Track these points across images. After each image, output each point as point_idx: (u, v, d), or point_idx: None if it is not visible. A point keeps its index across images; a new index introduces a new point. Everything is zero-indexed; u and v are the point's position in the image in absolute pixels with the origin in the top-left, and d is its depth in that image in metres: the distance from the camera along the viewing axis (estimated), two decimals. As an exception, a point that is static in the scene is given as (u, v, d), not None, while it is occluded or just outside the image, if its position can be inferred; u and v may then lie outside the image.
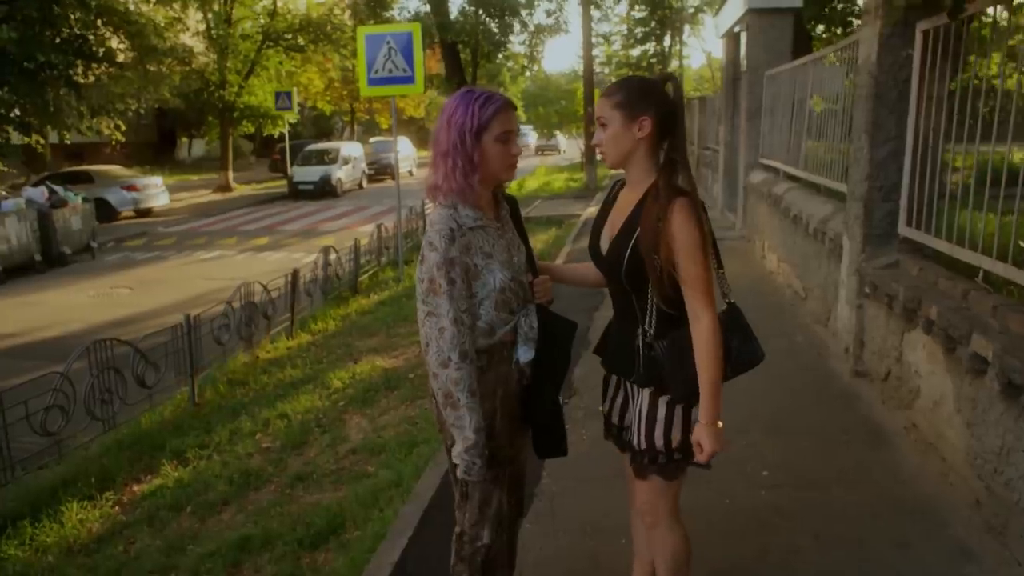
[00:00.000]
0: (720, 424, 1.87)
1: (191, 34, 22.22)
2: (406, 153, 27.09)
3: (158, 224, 16.91)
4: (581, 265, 2.31)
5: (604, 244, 2.01)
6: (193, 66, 21.52)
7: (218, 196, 22.47)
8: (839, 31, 19.29)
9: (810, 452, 3.55)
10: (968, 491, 2.96)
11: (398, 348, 6.82)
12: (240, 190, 24.04)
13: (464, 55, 13.07)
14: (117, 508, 4.35)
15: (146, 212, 17.97)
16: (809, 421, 3.95)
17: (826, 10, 18.05)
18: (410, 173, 26.81)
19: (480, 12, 12.74)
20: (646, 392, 1.97)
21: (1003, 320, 2.76)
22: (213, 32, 22.25)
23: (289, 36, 23.42)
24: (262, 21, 23.60)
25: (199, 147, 33.54)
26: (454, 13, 12.62)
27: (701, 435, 1.87)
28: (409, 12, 13.58)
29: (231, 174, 24.07)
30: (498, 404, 1.96)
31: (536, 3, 12.63)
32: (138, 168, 22.79)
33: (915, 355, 3.54)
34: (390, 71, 9.53)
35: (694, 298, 1.85)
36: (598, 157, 2.05)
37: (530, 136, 44.17)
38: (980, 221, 3.19)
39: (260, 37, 22.99)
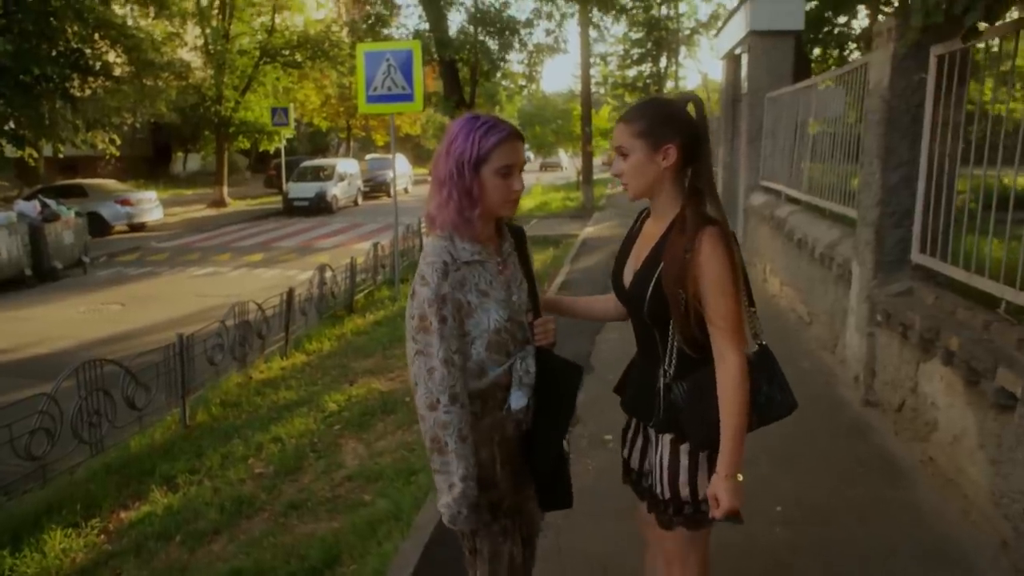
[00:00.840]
0: (740, 477, 1.71)
1: (188, 49, 22.21)
2: (402, 171, 27.12)
3: (151, 239, 16.75)
4: (595, 299, 2.20)
5: (627, 277, 1.90)
6: (190, 81, 21.48)
7: (212, 211, 22.35)
8: (835, 53, 19.44)
9: (824, 485, 3.43)
10: (993, 531, 2.85)
11: (394, 370, 6.69)
12: (235, 205, 23.91)
13: (463, 73, 13.03)
14: (103, 537, 4.19)
15: (140, 227, 17.82)
16: (821, 452, 3.84)
17: (823, 33, 18.17)
18: (406, 191, 26.79)
19: (479, 30, 12.71)
20: (666, 438, 1.85)
21: (1030, 354, 2.67)
22: (211, 47, 22.23)
23: (287, 52, 23.43)
24: (260, 37, 23.61)
25: (194, 162, 33.44)
26: (453, 31, 12.58)
27: (718, 488, 1.71)
28: (408, 29, 13.54)
29: (226, 189, 23.97)
30: (496, 451, 1.83)
31: (535, 22, 12.64)
32: (132, 182, 22.66)
33: (932, 386, 3.44)
34: (389, 88, 9.49)
35: (721, 336, 1.71)
36: (620, 188, 1.92)
37: (527, 155, 44.50)
38: (1001, 249, 3.10)
39: (257, 53, 22.99)
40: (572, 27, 15.12)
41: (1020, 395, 2.54)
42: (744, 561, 2.83)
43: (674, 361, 1.81)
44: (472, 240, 1.78)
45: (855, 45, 18.94)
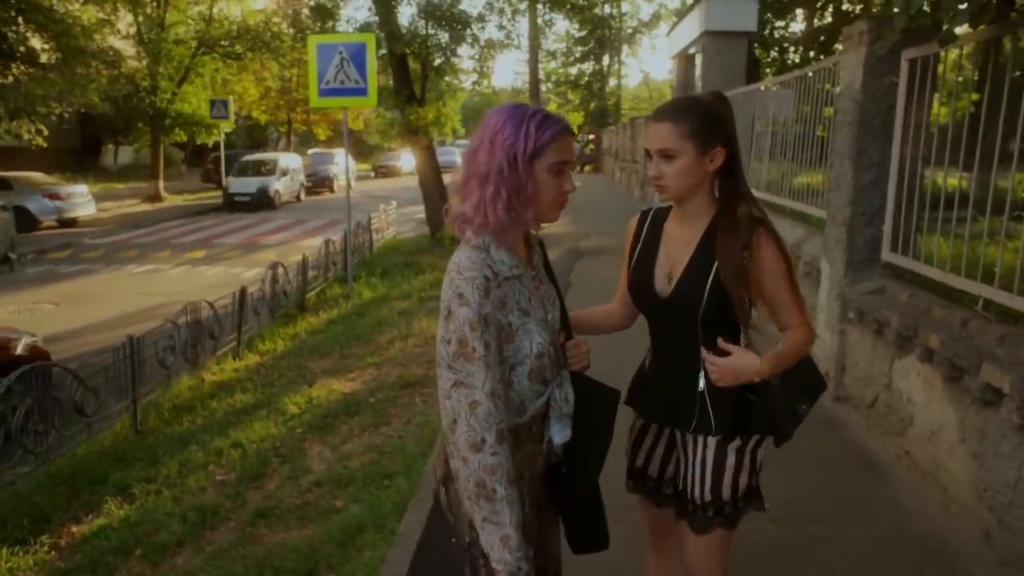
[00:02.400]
0: (759, 377, 1.74)
1: (121, 37, 21.26)
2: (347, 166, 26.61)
3: (84, 235, 15.97)
4: (599, 311, 2.09)
5: (661, 284, 1.83)
6: (122, 70, 20.57)
7: (148, 206, 21.49)
8: (774, 54, 20.00)
9: (808, 482, 3.46)
10: (975, 523, 2.92)
11: (354, 370, 6.52)
12: (171, 200, 23.05)
13: (413, 67, 12.83)
14: (54, 553, 3.94)
15: (70, 222, 16.96)
16: (798, 447, 3.85)
17: (764, 36, 18.66)
18: (350, 186, 26.31)
19: (430, 24, 12.52)
20: (712, 440, 1.81)
21: (1013, 350, 2.74)
22: (144, 36, 21.34)
23: (225, 43, 22.68)
24: (197, 27, 22.79)
25: (126, 154, 32.08)
26: (404, 24, 12.35)
27: (742, 359, 1.74)
28: (357, 22, 13.24)
29: (162, 183, 23.08)
30: (526, 491, 1.63)
31: (487, 17, 12.53)
32: (59, 175, 21.57)
33: (907, 383, 3.52)
34: (342, 82, 9.25)
35: (789, 318, 1.82)
36: (656, 193, 1.82)
37: (453, 156, 44.30)
38: (978, 248, 3.19)
39: (195, 43, 22.18)
40: (521, 22, 15.01)
41: (1008, 390, 2.60)
42: (748, 561, 2.82)
43: None
44: (509, 250, 1.57)
45: (793, 48, 19.54)
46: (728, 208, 1.76)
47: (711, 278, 1.74)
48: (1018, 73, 2.94)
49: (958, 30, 3.22)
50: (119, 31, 20.86)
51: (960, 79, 3.45)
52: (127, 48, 21.47)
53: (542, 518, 1.72)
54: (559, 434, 1.63)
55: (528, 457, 1.63)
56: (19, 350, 5.08)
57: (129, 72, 21.03)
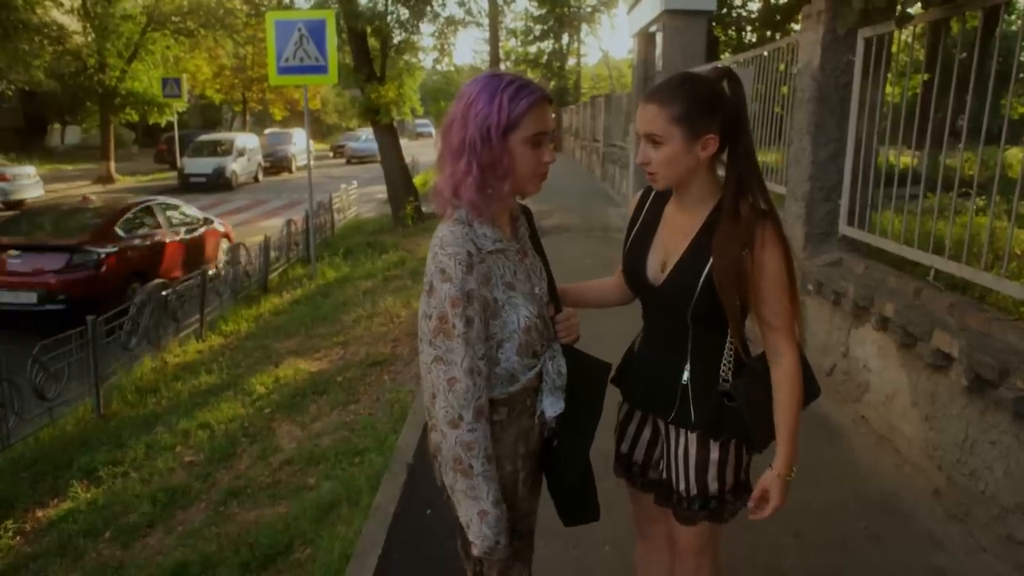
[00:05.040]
0: (793, 473, 1.67)
1: (64, 11, 20.49)
2: (303, 145, 26.18)
3: (32, 217, 15.49)
4: (598, 284, 2.01)
5: (654, 271, 1.72)
6: (68, 46, 19.85)
7: (99, 188, 20.85)
8: (732, 33, 20.20)
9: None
10: (926, 481, 3.07)
11: (320, 349, 6.51)
12: (124, 181, 22.42)
13: (373, 43, 12.65)
14: (19, 539, 3.91)
15: (16, 204, 16.39)
16: (759, 416, 4.02)
17: (722, 14, 18.81)
18: (310, 166, 25.90)
19: (390, 0, 12.37)
20: (692, 434, 1.74)
21: (961, 318, 2.88)
22: (90, 10, 20.60)
23: (176, 19, 22.06)
24: (146, 2, 22.07)
25: (74, 134, 31.04)
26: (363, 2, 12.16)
27: (773, 486, 1.67)
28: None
29: (113, 164, 22.43)
30: (520, 466, 1.64)
31: (447, -7, 12.44)
32: (2, 156, 20.82)
33: (864, 350, 3.66)
34: (301, 60, 9.11)
35: (778, 333, 1.64)
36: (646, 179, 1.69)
37: (430, 129, 43.80)
38: (929, 222, 3.33)
39: (144, 19, 21.49)
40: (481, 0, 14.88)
41: (957, 355, 2.74)
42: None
43: (732, 364, 1.69)
44: (492, 224, 1.55)
45: (751, 28, 19.75)
46: (734, 199, 1.59)
47: (704, 274, 1.61)
48: (965, 54, 3.05)
49: (912, 10, 3.35)
50: (62, 4, 20.08)
51: (909, 59, 3.56)
52: (72, 23, 20.71)
53: (534, 495, 1.74)
54: (552, 407, 1.63)
55: (523, 431, 1.63)
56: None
57: (75, 48, 20.33)
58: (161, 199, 9.49)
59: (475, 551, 1.55)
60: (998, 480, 2.59)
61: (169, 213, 9.06)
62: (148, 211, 8.62)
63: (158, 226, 8.58)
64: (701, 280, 1.62)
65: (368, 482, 3.66)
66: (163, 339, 6.48)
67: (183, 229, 9.02)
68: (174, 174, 21.65)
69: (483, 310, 1.50)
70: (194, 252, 8.99)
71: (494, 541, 1.52)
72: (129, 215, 8.23)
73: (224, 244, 9.85)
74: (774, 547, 2.76)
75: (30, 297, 6.89)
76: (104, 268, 7.30)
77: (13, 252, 7.15)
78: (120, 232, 7.86)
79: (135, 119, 24.34)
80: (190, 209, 9.65)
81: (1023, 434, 2.46)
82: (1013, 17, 13.57)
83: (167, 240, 8.53)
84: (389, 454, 3.91)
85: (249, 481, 4.19)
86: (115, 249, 7.57)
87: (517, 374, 1.59)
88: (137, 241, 8.06)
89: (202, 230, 9.40)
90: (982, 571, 2.61)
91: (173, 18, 21.97)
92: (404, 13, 12.45)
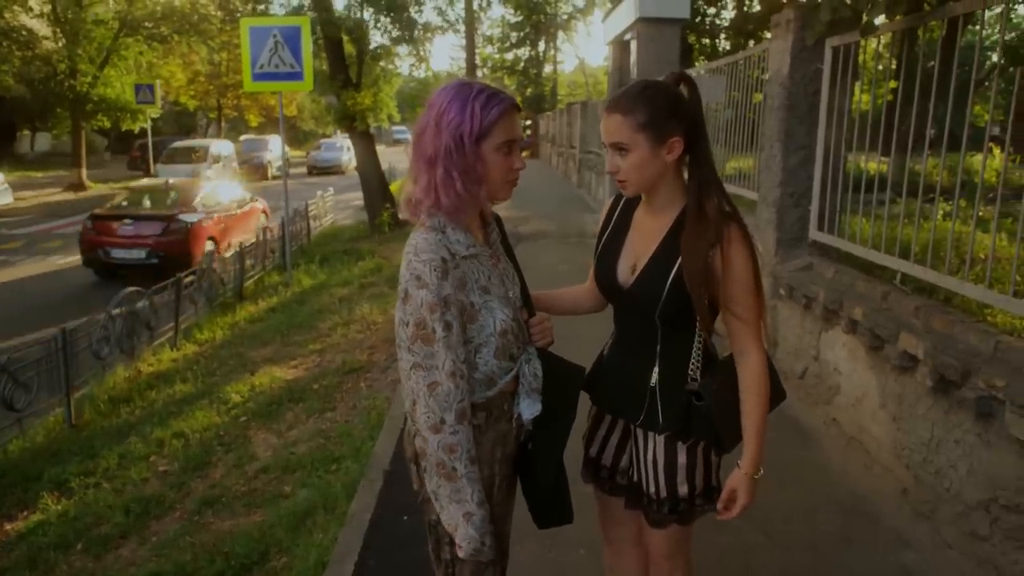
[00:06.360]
0: (760, 472, 1.69)
1: (34, 15, 20.21)
2: (279, 152, 26.05)
3: (1, 225, 15.24)
4: (569, 291, 2.03)
5: (624, 275, 1.75)
6: (37, 51, 19.57)
7: (70, 195, 20.58)
8: (706, 41, 20.45)
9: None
10: (894, 481, 3.13)
11: (296, 357, 6.48)
12: (96, 189, 22.11)
13: (349, 50, 12.63)
14: (-12, 551, 3.83)
15: (-15, 211, 16.21)
16: (733, 419, 4.07)
17: (696, 23, 19.03)
18: (286, 173, 25.77)
19: (366, 7, 12.36)
20: (660, 438, 1.76)
21: (927, 320, 2.94)
22: (60, 15, 20.33)
23: (150, 25, 21.84)
24: (118, 7, 21.83)
25: (44, 141, 30.58)
26: (339, 9, 12.15)
27: (740, 485, 1.69)
28: (290, 5, 12.97)
29: (85, 171, 22.12)
30: (497, 470, 1.65)
31: (424, 0, 12.48)
32: (-30, 163, 20.51)
33: (834, 353, 3.73)
34: (276, 66, 9.09)
35: (746, 333, 1.67)
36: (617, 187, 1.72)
37: (407, 135, 43.71)
38: (896, 228, 3.40)
39: (117, 24, 21.26)
40: (458, 6, 14.92)
41: (922, 356, 2.80)
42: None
43: (700, 363, 1.72)
44: (464, 230, 1.57)
45: (724, 35, 20.01)
46: (697, 202, 1.64)
47: (672, 275, 1.65)
48: (931, 63, 3.13)
49: (877, 21, 3.43)
50: (31, 9, 19.80)
51: (875, 68, 3.65)
52: (42, 28, 20.42)
53: (509, 498, 1.75)
54: (529, 409, 1.65)
55: (500, 436, 1.65)
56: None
57: (45, 54, 20.05)
58: (223, 182, 12.33)
59: (461, 554, 1.57)
60: (962, 478, 2.65)
61: (230, 192, 11.85)
62: (216, 191, 11.39)
63: (222, 202, 11.22)
64: (670, 279, 1.65)
65: (344, 489, 3.65)
66: (137, 348, 6.40)
67: (236, 204, 11.65)
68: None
69: (460, 314, 1.52)
70: (244, 223, 11.61)
71: (480, 542, 1.54)
72: (204, 192, 10.97)
73: (262, 218, 12.36)
74: (745, 548, 2.80)
75: (140, 254, 9.73)
76: (190, 234, 9.92)
77: (127, 220, 9.88)
78: (199, 206, 10.46)
79: (107, 125, 24.05)
80: (240, 189, 12.38)
81: (985, 433, 2.53)
82: (977, 27, 13.89)
83: (229, 213, 11.22)
84: (365, 461, 3.91)
85: (224, 490, 4.16)
86: (197, 219, 10.18)
87: (495, 378, 1.61)
88: (211, 213, 10.63)
89: (249, 206, 12.12)
90: (948, 568, 2.67)
91: (146, 24, 21.77)
92: (383, 20, 12.46)
